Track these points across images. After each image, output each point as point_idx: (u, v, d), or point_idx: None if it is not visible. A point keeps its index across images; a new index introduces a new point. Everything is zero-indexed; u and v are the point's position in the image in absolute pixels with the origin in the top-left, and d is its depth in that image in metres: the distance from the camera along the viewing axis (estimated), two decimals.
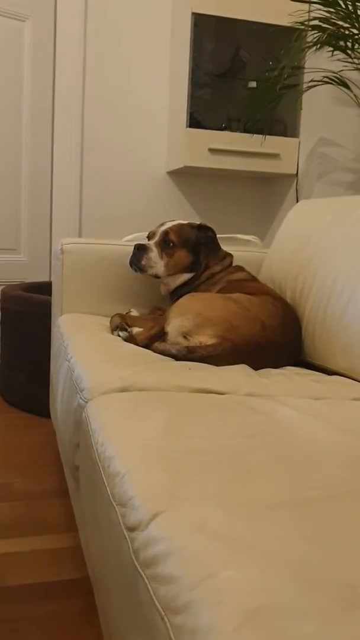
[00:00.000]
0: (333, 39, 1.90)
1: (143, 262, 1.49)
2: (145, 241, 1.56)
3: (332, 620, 0.40)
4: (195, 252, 1.52)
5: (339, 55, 1.97)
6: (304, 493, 0.62)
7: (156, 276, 1.52)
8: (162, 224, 1.55)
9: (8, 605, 1.08)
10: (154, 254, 1.49)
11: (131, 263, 1.51)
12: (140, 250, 1.49)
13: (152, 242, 1.51)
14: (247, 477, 0.65)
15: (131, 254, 1.51)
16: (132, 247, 1.54)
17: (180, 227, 1.53)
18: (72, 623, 1.04)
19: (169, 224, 1.53)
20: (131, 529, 0.58)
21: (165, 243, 1.50)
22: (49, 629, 1.02)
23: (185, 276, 1.53)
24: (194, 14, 2.41)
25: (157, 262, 1.50)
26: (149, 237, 1.56)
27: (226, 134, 2.54)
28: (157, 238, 1.51)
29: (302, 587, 0.44)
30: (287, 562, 0.48)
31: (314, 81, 2.07)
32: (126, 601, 0.56)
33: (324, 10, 1.87)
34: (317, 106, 2.39)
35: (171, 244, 1.50)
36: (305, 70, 2.15)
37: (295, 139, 2.57)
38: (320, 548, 0.51)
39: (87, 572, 1.02)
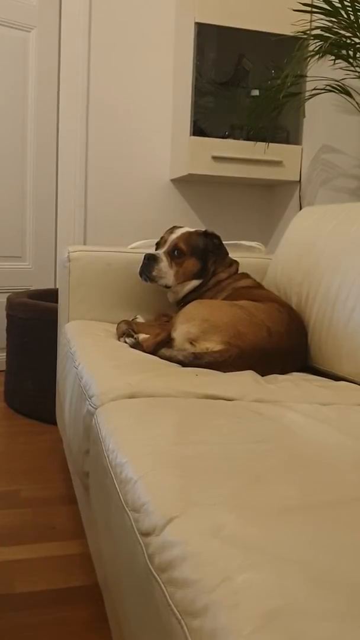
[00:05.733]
0: (335, 48, 1.92)
1: (154, 273, 1.50)
2: (153, 249, 1.57)
3: (348, 622, 0.41)
4: (203, 259, 1.54)
5: (341, 63, 1.99)
6: (315, 498, 0.63)
7: (166, 286, 1.53)
8: (171, 232, 1.56)
9: (17, 612, 1.08)
10: (164, 264, 1.50)
11: (141, 273, 1.52)
12: (150, 260, 1.50)
13: (161, 252, 1.52)
14: (258, 482, 0.65)
15: (141, 263, 1.52)
16: (138, 254, 1.55)
17: (188, 235, 1.54)
18: (81, 630, 1.04)
19: (177, 232, 1.54)
20: (145, 534, 0.58)
21: (175, 252, 1.51)
22: (58, 636, 1.03)
23: (194, 283, 1.54)
24: (197, 23, 2.43)
25: (167, 272, 1.50)
26: (158, 245, 1.57)
27: (229, 141, 2.56)
28: (166, 247, 1.52)
29: (318, 590, 0.45)
30: (301, 566, 0.48)
31: (317, 89, 2.09)
32: (141, 606, 0.57)
33: (326, 20, 1.90)
34: (319, 114, 2.41)
35: (180, 253, 1.51)
36: (308, 79, 2.17)
37: (298, 146, 2.59)
38: (333, 552, 0.52)
39: (95, 578, 1.02)
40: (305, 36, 1.97)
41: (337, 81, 2.06)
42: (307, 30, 2.00)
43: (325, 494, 0.64)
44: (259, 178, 2.60)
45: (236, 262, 1.61)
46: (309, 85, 2.18)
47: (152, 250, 1.55)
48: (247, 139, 2.55)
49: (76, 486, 1.26)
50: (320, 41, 1.89)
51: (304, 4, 1.94)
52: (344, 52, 1.93)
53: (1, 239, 2.64)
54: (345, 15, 1.84)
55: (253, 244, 2.01)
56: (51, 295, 2.19)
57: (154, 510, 0.59)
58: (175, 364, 1.25)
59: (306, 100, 2.22)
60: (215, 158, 2.51)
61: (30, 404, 2.14)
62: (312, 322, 1.40)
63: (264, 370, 1.25)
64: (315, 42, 1.91)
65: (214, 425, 0.86)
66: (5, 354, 2.34)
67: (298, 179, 2.60)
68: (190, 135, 2.50)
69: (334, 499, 0.63)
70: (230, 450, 0.75)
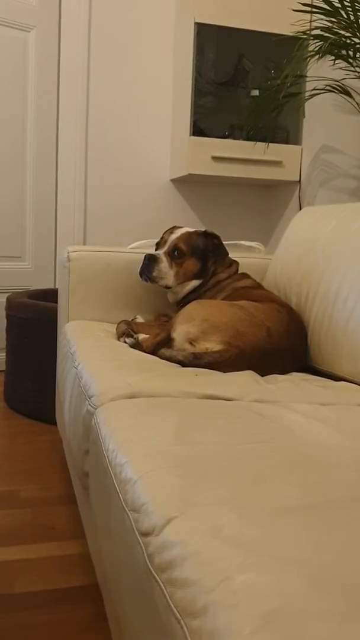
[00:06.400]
0: (335, 48, 1.92)
1: (154, 274, 1.50)
2: (152, 249, 1.57)
3: (348, 622, 0.41)
4: (203, 260, 1.54)
5: (341, 63, 1.99)
6: (315, 498, 0.63)
7: (167, 287, 1.53)
8: (171, 232, 1.56)
9: (16, 612, 1.08)
10: (164, 264, 1.50)
11: (141, 273, 1.52)
12: (150, 261, 1.50)
13: (161, 252, 1.52)
14: (258, 483, 0.65)
15: (141, 264, 1.52)
16: (138, 254, 1.55)
17: (188, 235, 1.54)
18: (80, 630, 1.04)
19: (177, 233, 1.54)
20: (145, 534, 0.58)
21: (175, 252, 1.51)
22: (57, 636, 1.03)
23: (194, 283, 1.54)
24: (196, 23, 2.43)
25: (167, 272, 1.50)
26: (158, 245, 1.57)
27: (229, 141, 2.56)
28: (166, 248, 1.52)
29: (317, 590, 0.45)
30: (301, 566, 0.48)
31: (316, 89, 2.09)
32: (140, 606, 0.57)
33: (325, 20, 1.89)
34: (319, 114, 2.41)
35: (180, 253, 1.51)
36: (308, 79, 2.17)
37: (298, 146, 2.59)
38: (332, 552, 0.52)
39: (95, 578, 1.02)
40: (305, 36, 1.96)
41: (337, 81, 2.06)
42: (307, 31, 2.00)
43: (325, 494, 0.64)
44: (258, 178, 2.60)
45: (236, 262, 1.61)
46: (309, 86, 2.18)
47: (152, 251, 1.55)
48: (247, 139, 2.55)
49: (76, 486, 1.26)
50: (320, 41, 1.89)
51: (304, 4, 1.94)
52: (343, 52, 1.93)
53: (1, 238, 2.64)
54: (345, 16, 1.84)
55: (253, 244, 2.01)
56: (51, 295, 2.19)
57: (154, 510, 0.59)
58: (175, 364, 1.25)
59: (306, 100, 2.22)
60: (215, 158, 2.51)
61: (29, 404, 2.14)
62: (312, 322, 1.40)
63: (263, 370, 1.25)
64: (315, 42, 1.91)
65: (213, 426, 0.86)
66: (4, 354, 2.34)
67: (298, 179, 2.60)
68: (190, 135, 2.50)
69: (333, 499, 0.63)
70: (229, 451, 0.75)
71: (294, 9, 1.99)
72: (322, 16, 1.90)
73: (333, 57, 1.96)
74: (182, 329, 1.32)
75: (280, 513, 0.58)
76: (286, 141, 2.65)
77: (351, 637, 0.39)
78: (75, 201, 2.72)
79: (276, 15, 2.37)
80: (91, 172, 2.73)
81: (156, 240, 1.60)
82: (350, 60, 1.94)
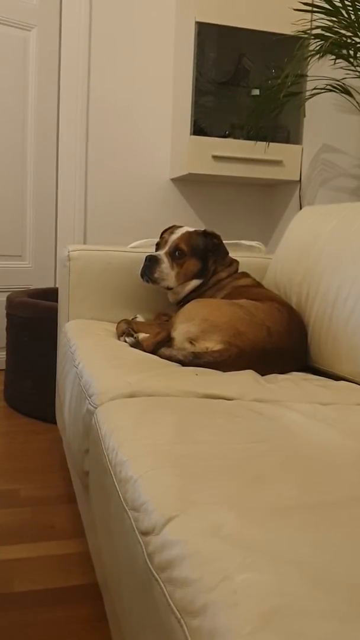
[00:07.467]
0: (336, 48, 1.92)
1: (156, 275, 1.49)
2: (153, 249, 1.57)
3: (348, 622, 0.41)
4: (204, 259, 1.53)
5: (342, 63, 1.99)
6: (314, 497, 0.63)
7: (168, 288, 1.53)
8: (171, 232, 1.56)
9: (16, 611, 1.08)
10: (166, 265, 1.50)
11: (142, 275, 1.51)
12: (151, 262, 1.49)
13: (162, 253, 1.51)
14: (258, 482, 0.65)
15: (142, 265, 1.51)
16: (138, 254, 1.54)
17: (188, 235, 1.53)
18: (80, 629, 1.04)
19: (177, 232, 1.54)
20: (145, 533, 0.58)
21: (176, 253, 1.50)
22: (57, 635, 1.03)
23: (194, 283, 1.54)
24: (197, 23, 2.43)
25: (168, 273, 1.50)
26: (159, 245, 1.57)
27: (230, 141, 2.56)
28: (167, 248, 1.52)
29: (317, 590, 0.45)
30: (300, 565, 0.48)
31: (317, 89, 2.09)
32: (140, 605, 0.57)
33: (326, 19, 1.90)
34: (319, 113, 2.41)
35: (181, 254, 1.50)
36: (308, 78, 2.17)
37: (298, 145, 2.59)
38: (332, 551, 0.52)
39: (95, 577, 1.02)
40: (305, 36, 1.96)
41: (338, 81, 2.06)
42: (307, 30, 2.00)
43: (324, 493, 0.64)
44: (259, 178, 2.60)
45: (236, 262, 1.61)
46: (309, 85, 2.18)
47: (152, 251, 1.55)
48: (248, 138, 2.55)
49: (76, 485, 1.26)
50: (321, 41, 1.89)
51: (305, 4, 1.94)
52: (344, 51, 1.94)
53: (1, 237, 2.64)
54: (345, 15, 1.84)
55: (253, 243, 2.01)
56: (51, 294, 2.19)
57: (154, 510, 0.59)
58: (175, 364, 1.25)
59: (306, 99, 2.22)
60: (215, 157, 2.51)
61: (29, 403, 2.14)
62: (312, 322, 1.40)
63: (263, 369, 1.25)
64: (316, 42, 1.91)
65: (213, 425, 0.86)
66: (4, 353, 2.34)
67: (298, 179, 2.60)
68: (190, 134, 2.50)
69: (333, 499, 0.63)
70: (229, 450, 0.75)
71: (295, 8, 1.99)
72: (322, 15, 1.90)
73: (334, 57, 1.96)
74: (182, 329, 1.32)
75: (280, 512, 0.58)
76: (286, 141, 2.65)
77: (351, 636, 0.39)
78: (75, 200, 2.72)
79: (277, 15, 2.37)
80: (91, 171, 2.73)
81: (156, 240, 1.60)
82: (351, 60, 1.95)
